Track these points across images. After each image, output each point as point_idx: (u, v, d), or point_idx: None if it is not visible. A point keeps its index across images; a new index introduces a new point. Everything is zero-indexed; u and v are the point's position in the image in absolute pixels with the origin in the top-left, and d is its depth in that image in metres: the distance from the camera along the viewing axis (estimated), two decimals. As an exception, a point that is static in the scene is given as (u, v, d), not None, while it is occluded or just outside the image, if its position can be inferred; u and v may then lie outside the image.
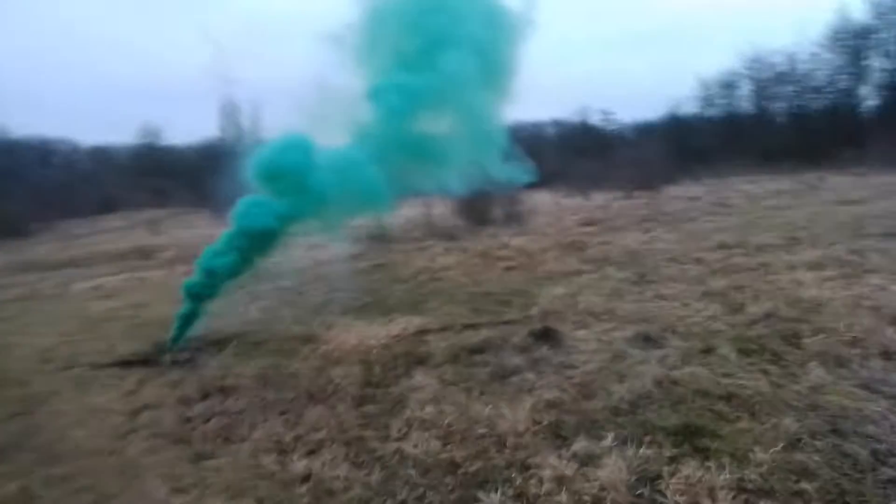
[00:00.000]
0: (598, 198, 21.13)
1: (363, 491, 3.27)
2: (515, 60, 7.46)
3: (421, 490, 3.23)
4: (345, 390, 4.73)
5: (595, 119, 42.80)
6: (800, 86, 35.15)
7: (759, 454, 3.19)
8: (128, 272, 13.04)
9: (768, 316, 5.60)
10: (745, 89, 37.98)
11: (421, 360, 5.29)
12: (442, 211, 16.01)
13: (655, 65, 65.50)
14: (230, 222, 6.48)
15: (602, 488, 3.03)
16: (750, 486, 2.96)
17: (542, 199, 19.71)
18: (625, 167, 22.13)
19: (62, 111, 61.64)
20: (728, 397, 3.98)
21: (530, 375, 4.68)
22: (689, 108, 39.38)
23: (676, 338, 5.27)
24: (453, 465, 3.43)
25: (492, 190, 13.77)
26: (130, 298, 9.72)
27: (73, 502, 3.47)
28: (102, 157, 45.28)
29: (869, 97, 33.67)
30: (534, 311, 6.63)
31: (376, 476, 3.40)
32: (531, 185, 9.11)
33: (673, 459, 3.25)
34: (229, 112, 29.90)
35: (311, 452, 3.75)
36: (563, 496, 3.01)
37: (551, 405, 4.09)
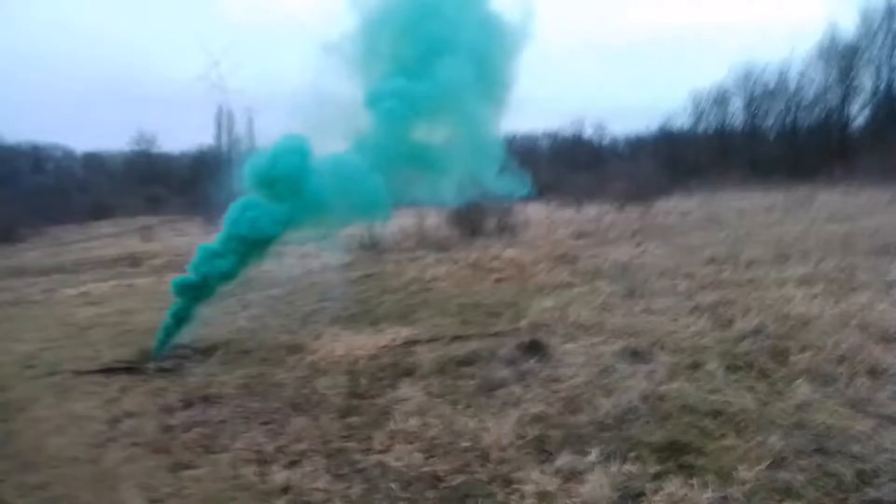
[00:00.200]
0: (591, 210, 21.18)
1: (343, 504, 3.21)
2: (512, 71, 7.50)
3: (401, 504, 3.18)
4: (329, 401, 4.69)
5: (588, 132, 43.13)
6: (791, 101, 35.57)
7: (744, 472, 3.17)
8: (117, 279, 12.90)
9: (756, 332, 5.59)
10: (737, 104, 38.49)
11: (408, 372, 5.26)
12: (435, 221, 16.00)
13: (647, 79, 66.00)
14: (224, 225, 6.39)
15: (584, 504, 2.99)
16: (733, 504, 2.92)
17: (535, 211, 19.72)
18: (617, 180, 22.18)
19: (56, 117, 61.50)
20: (714, 414, 3.97)
21: (517, 388, 4.66)
22: (681, 122, 39.90)
23: (664, 353, 5.26)
24: (435, 479, 3.39)
25: (486, 201, 13.78)
26: (118, 305, 9.61)
27: (46, 512, 3.39)
28: (96, 163, 45.28)
29: (859, 113, 34.05)
30: (523, 323, 6.61)
31: (356, 489, 3.35)
32: (524, 197, 9.10)
33: (657, 476, 3.22)
34: (224, 120, 29.94)
35: (292, 463, 3.70)
36: (545, 512, 2.97)
37: (537, 419, 4.06)
